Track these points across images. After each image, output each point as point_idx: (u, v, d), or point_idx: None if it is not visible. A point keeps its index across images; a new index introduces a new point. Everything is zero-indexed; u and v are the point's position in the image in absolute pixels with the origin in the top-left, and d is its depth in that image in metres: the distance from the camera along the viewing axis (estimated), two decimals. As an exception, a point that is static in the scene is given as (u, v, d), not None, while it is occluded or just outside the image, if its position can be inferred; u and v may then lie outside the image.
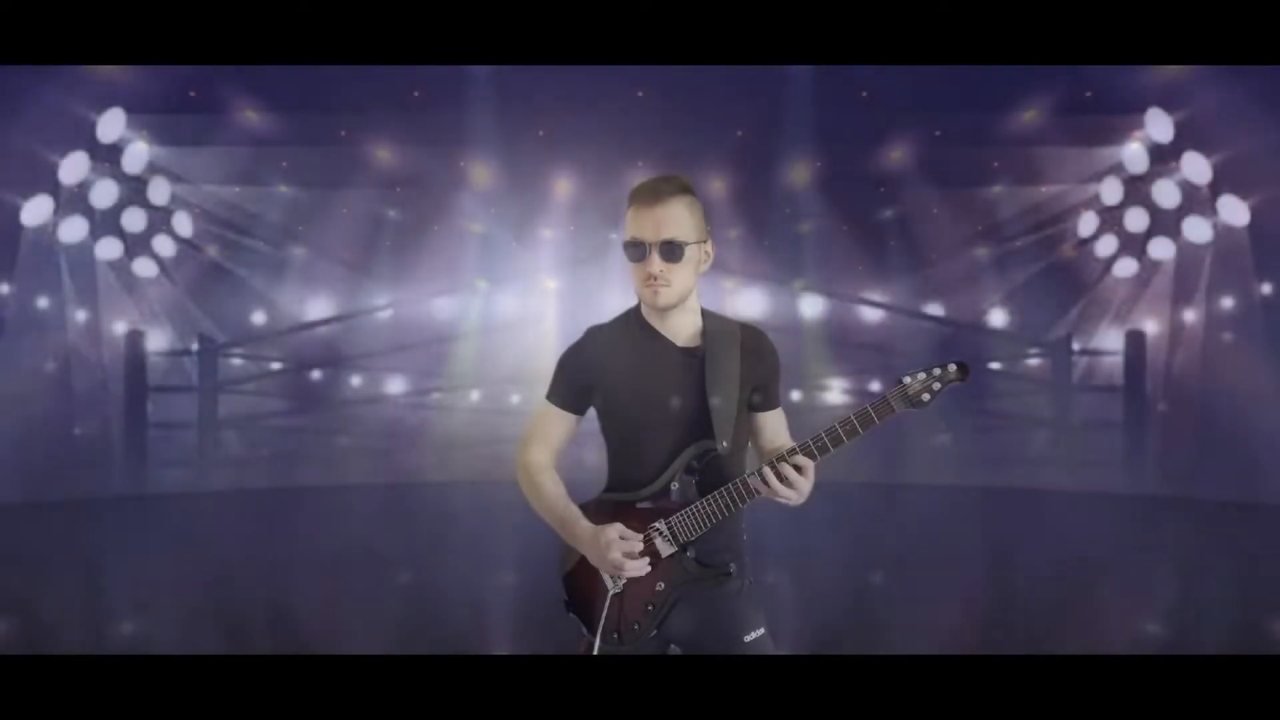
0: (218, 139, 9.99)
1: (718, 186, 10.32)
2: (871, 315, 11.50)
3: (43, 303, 9.88)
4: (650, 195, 2.33)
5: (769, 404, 2.45)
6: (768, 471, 2.28)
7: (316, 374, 11.61)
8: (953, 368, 2.28)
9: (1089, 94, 9.33)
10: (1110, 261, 10.36)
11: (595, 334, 2.48)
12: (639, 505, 2.36)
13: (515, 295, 11.56)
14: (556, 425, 2.47)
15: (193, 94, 9.36)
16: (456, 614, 5.48)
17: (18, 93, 8.32)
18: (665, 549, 2.33)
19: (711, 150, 10.00)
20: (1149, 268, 10.22)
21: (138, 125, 9.87)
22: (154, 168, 10.12)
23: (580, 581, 2.41)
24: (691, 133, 9.56)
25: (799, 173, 10.52)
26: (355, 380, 11.84)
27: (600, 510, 2.40)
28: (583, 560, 2.41)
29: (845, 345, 11.32)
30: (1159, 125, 9.64)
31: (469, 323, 11.59)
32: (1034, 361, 11.23)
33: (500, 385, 11.62)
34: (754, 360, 2.41)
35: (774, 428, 2.46)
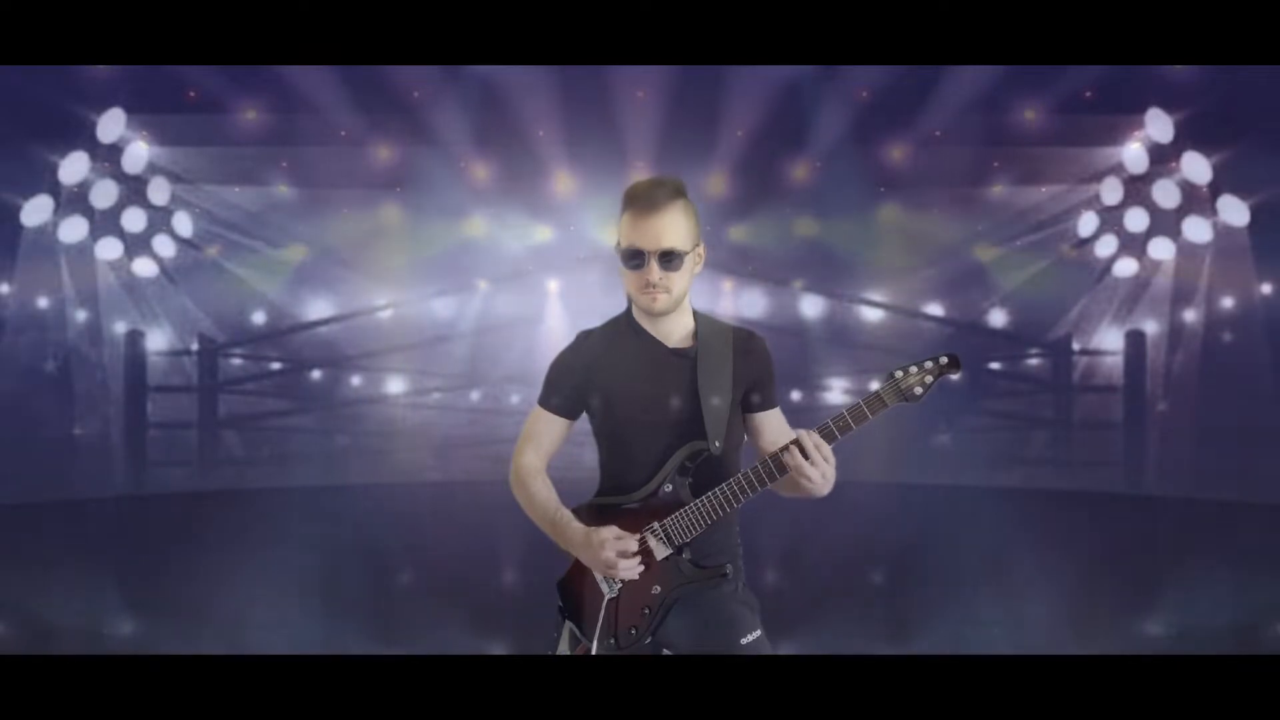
0: (218, 139, 9.99)
1: (718, 186, 10.31)
2: (871, 315, 11.49)
3: (43, 303, 9.88)
4: (647, 202, 2.32)
5: (767, 404, 2.44)
6: (768, 464, 2.28)
7: (316, 374, 11.60)
8: (944, 359, 2.27)
9: (1089, 94, 9.33)
10: (1110, 261, 10.36)
11: (586, 338, 2.48)
12: (632, 508, 2.35)
13: (515, 295, 11.54)
14: (548, 430, 2.46)
15: (193, 94, 9.37)
16: (455, 614, 5.48)
17: (18, 93, 8.32)
18: (660, 551, 2.33)
19: (711, 150, 10.00)
20: (1149, 268, 10.21)
21: (138, 125, 9.86)
22: (154, 168, 10.11)
23: (575, 587, 2.40)
24: (691, 133, 9.56)
25: (799, 173, 10.52)
26: (355, 380, 11.83)
27: (593, 514, 2.39)
28: (577, 564, 2.40)
29: (845, 345, 11.30)
30: (1159, 125, 9.63)
31: (469, 323, 11.57)
32: (1034, 361, 11.22)
33: (500, 385, 11.61)
34: (746, 361, 2.41)
35: (775, 427, 2.46)
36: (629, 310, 2.47)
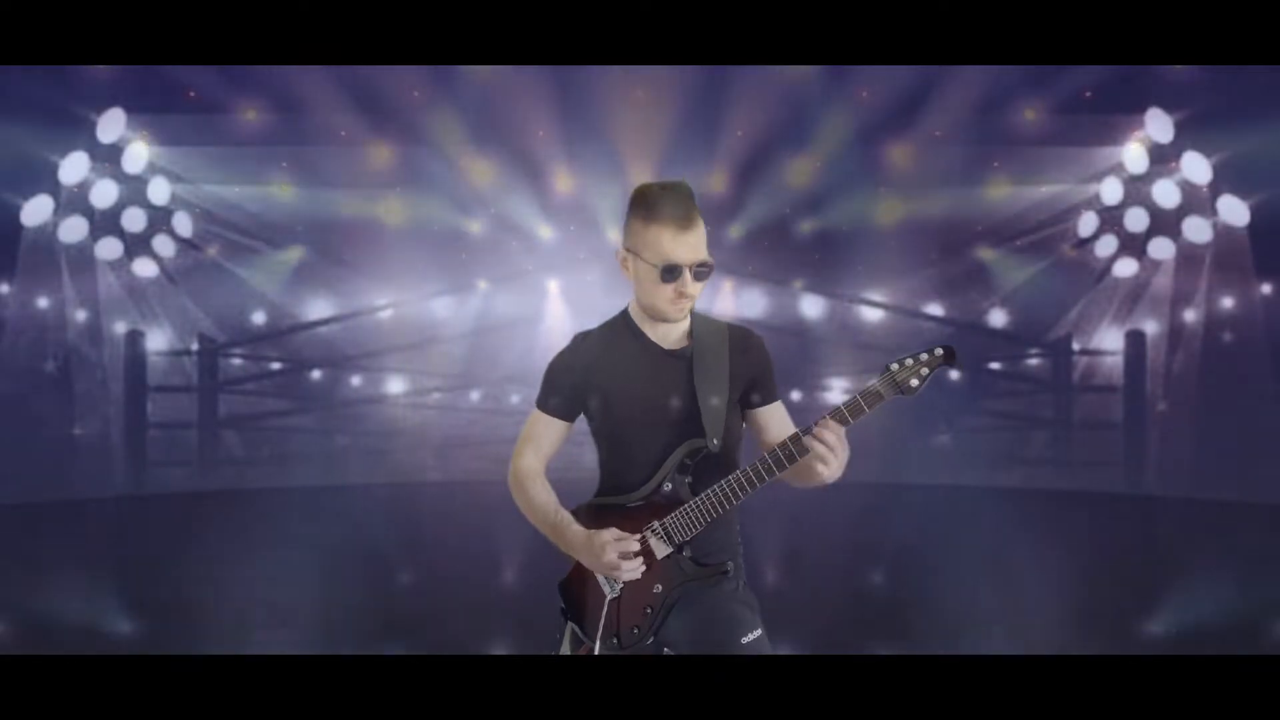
0: (218, 139, 9.99)
1: (718, 186, 10.31)
2: (871, 315, 11.49)
3: (43, 303, 9.88)
4: (683, 217, 2.33)
5: (768, 399, 2.46)
6: (766, 460, 2.28)
7: (316, 374, 11.60)
8: (939, 351, 2.26)
9: (1089, 94, 9.33)
10: (1110, 261, 10.36)
11: (583, 339, 2.49)
12: (633, 507, 2.35)
13: (515, 295, 11.54)
14: (547, 432, 2.47)
15: (193, 94, 9.37)
16: (456, 614, 5.48)
17: (18, 93, 8.32)
18: (661, 549, 2.33)
19: (711, 150, 9.99)
20: (1149, 268, 10.22)
21: (138, 125, 9.86)
22: (154, 168, 10.11)
23: (576, 588, 2.41)
24: (691, 133, 9.56)
25: (799, 173, 10.52)
26: (355, 380, 11.83)
27: (592, 514, 2.39)
28: (578, 565, 2.40)
29: (845, 345, 11.30)
30: (1159, 125, 9.63)
31: (469, 323, 11.57)
32: (1034, 361, 11.22)
33: (500, 385, 11.61)
34: (742, 358, 2.42)
35: (779, 420, 2.47)
36: (626, 312, 2.48)
